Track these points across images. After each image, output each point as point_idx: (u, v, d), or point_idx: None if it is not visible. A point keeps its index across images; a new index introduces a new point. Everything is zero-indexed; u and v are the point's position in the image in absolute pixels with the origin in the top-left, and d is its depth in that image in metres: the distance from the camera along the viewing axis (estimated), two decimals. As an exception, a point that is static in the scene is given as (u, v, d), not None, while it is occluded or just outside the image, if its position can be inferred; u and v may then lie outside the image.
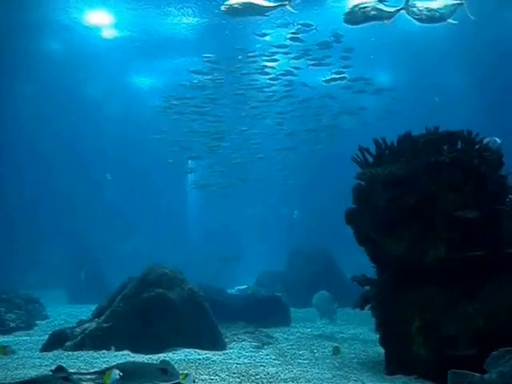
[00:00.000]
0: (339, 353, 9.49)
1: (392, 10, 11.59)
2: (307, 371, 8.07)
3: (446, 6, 11.66)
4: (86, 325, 10.65)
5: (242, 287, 19.91)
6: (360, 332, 12.17)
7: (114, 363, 8.64)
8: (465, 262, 7.33)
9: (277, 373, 7.86)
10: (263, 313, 13.23)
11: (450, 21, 11.79)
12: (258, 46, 21.90)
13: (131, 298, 10.52)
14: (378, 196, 8.17)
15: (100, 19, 19.65)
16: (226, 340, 10.86)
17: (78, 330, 10.52)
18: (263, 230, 31.38)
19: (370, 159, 8.63)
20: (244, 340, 11.12)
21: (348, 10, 11.54)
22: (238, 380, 7.40)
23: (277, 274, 19.68)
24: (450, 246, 7.54)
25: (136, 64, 23.95)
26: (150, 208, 30.33)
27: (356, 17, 11.59)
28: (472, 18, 12.32)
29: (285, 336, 11.85)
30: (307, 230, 25.51)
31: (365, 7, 11.47)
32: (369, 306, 8.91)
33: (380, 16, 11.66)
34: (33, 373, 8.09)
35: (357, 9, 11.49)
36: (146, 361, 8.89)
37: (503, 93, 22.22)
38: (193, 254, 25.14)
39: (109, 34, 20.69)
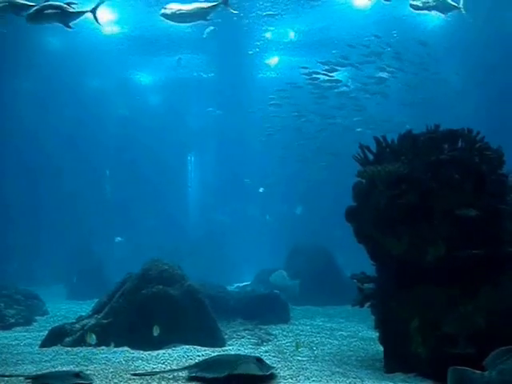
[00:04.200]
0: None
1: None
2: (306, 368, 8.08)
3: (197, 8, 13.61)
4: (86, 321, 10.66)
5: (241, 284, 19.95)
6: (359, 330, 12.16)
7: (114, 359, 8.71)
8: (465, 261, 7.33)
9: (276, 370, 7.86)
10: (262, 310, 13.22)
11: (204, 20, 14.08)
12: (258, 43, 21.93)
13: (131, 294, 10.52)
14: (379, 194, 8.17)
15: (101, 16, 19.56)
16: (226, 337, 10.86)
17: (77, 325, 10.54)
18: (263, 227, 31.39)
19: (371, 157, 8.63)
20: (243, 337, 11.11)
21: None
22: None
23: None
24: (450, 244, 7.53)
25: (137, 61, 23.94)
26: (150, 204, 30.32)
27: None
28: None
29: (284, 333, 11.84)
30: (307, 228, 25.50)
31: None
32: (368, 303, 8.93)
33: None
34: (32, 368, 8.12)
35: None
36: (145, 357, 8.92)
37: (504, 91, 22.21)
38: (192, 250, 25.11)
39: (110, 30, 20.66)
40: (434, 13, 16.57)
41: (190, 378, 7.35)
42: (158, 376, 7.52)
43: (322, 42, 21.25)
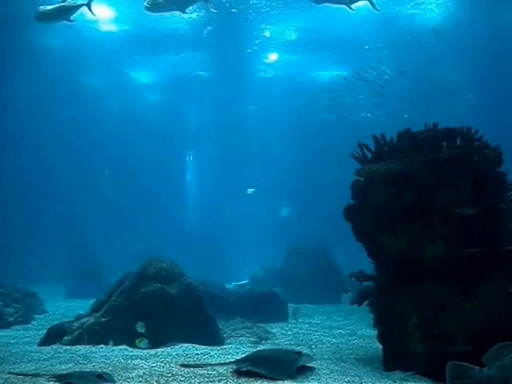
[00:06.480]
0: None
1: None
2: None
3: (58, 8, 14.17)
4: (84, 319, 10.65)
5: (239, 283, 19.99)
6: (358, 328, 12.18)
7: (112, 357, 8.70)
8: (463, 259, 7.34)
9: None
10: (261, 308, 13.25)
11: (68, 21, 14.48)
12: (256, 41, 21.93)
13: (129, 292, 10.51)
14: (377, 192, 8.15)
15: (100, 14, 19.55)
16: (224, 335, 10.87)
17: (76, 324, 10.52)
18: (261, 226, 31.43)
19: (369, 155, 8.62)
20: (242, 335, 11.12)
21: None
22: (236, 375, 7.41)
23: (274, 270, 19.69)
24: (448, 242, 7.53)
25: (135, 59, 23.93)
26: (148, 203, 30.34)
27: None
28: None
29: (283, 331, 11.86)
30: (305, 227, 25.52)
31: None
32: (367, 301, 8.94)
33: None
34: (31, 367, 8.10)
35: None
36: (143, 355, 8.92)
37: (503, 89, 22.21)
38: (191, 249, 25.14)
39: (108, 28, 20.63)
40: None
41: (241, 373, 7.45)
42: (158, 374, 7.53)
43: (321, 39, 21.30)
